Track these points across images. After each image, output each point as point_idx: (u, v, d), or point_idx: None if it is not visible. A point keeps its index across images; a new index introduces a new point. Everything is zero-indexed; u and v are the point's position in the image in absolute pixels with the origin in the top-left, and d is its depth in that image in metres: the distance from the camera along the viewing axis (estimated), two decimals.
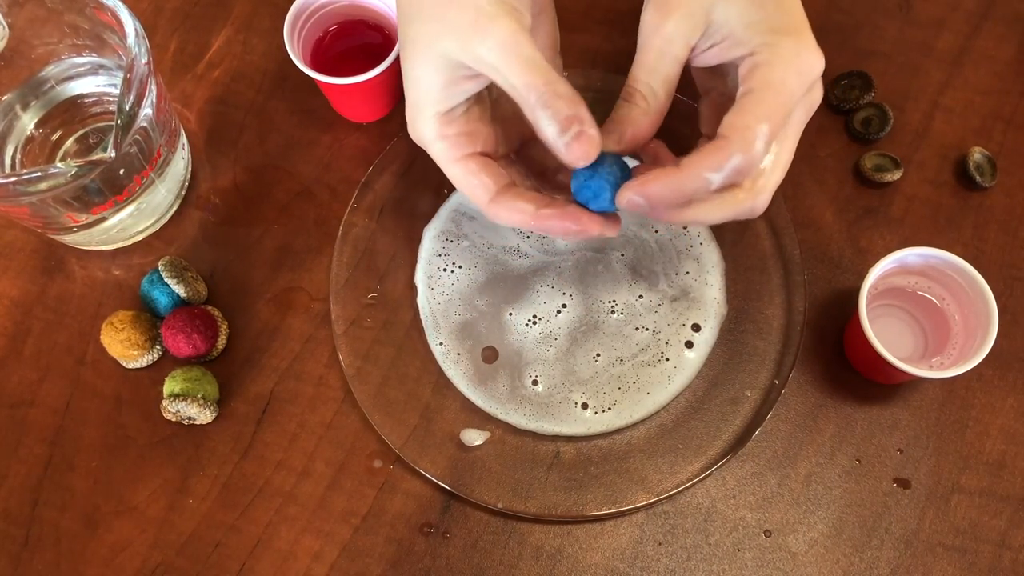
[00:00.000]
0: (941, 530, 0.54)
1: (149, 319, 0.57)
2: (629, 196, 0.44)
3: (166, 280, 0.56)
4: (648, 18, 0.47)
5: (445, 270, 0.59)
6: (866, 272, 0.52)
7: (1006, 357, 0.57)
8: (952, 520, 0.54)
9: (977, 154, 0.60)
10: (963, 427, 0.56)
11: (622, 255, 0.59)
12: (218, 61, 0.65)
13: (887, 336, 0.50)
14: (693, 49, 0.47)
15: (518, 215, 0.46)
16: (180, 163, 0.60)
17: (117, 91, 0.49)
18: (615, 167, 0.45)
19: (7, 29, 0.54)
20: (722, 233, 0.60)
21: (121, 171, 0.53)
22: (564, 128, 0.42)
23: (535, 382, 0.57)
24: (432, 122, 0.46)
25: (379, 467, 0.55)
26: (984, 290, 0.51)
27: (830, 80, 0.63)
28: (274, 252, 0.60)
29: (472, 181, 0.47)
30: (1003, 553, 0.53)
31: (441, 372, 0.57)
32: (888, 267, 0.53)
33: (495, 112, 0.49)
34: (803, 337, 0.56)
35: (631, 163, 0.47)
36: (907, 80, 0.64)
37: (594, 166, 0.44)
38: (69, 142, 0.59)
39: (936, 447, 0.55)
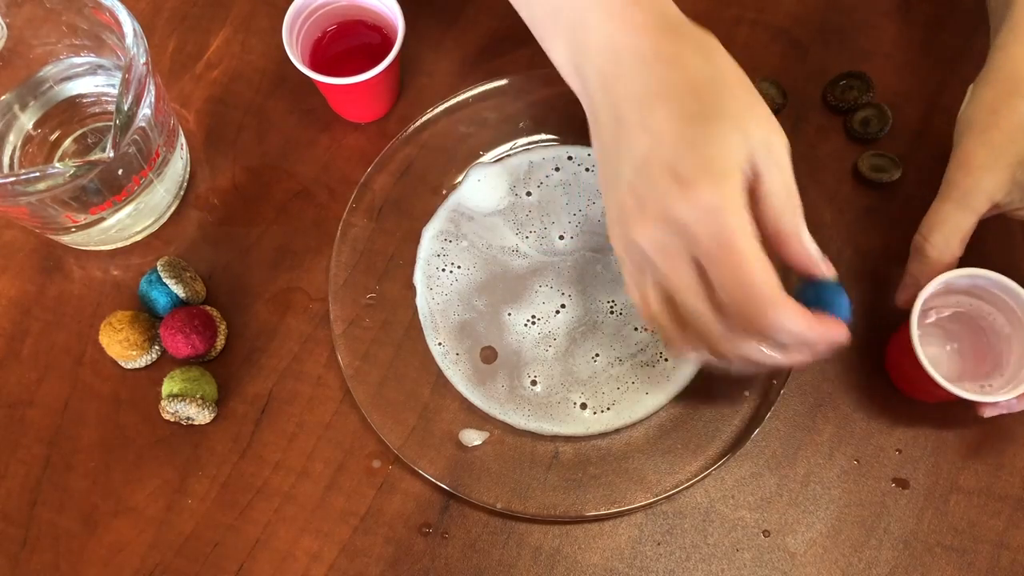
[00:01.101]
0: (939, 530, 0.54)
1: (148, 319, 0.57)
2: (989, 413, 0.51)
3: (165, 280, 0.56)
4: (949, 174, 0.51)
5: (444, 270, 0.59)
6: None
7: None
8: (950, 520, 0.54)
9: None
10: (963, 427, 0.55)
11: None
12: (216, 61, 0.65)
13: (935, 358, 0.49)
14: (997, 206, 0.50)
15: (803, 319, 0.42)
16: (179, 163, 0.60)
17: (115, 91, 0.49)
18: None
19: (5, 29, 0.54)
20: None
21: (119, 171, 0.53)
22: None
23: (534, 382, 0.57)
24: (741, 190, 0.41)
25: (378, 467, 0.55)
26: None
27: (829, 80, 0.63)
28: (273, 252, 0.60)
29: (767, 265, 0.41)
30: (1001, 553, 0.53)
31: (440, 372, 0.57)
32: (934, 289, 0.51)
33: None
34: None
35: None
36: (905, 80, 0.64)
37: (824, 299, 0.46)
38: (67, 142, 0.59)
39: (935, 447, 0.55)
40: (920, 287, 0.51)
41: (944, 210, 0.51)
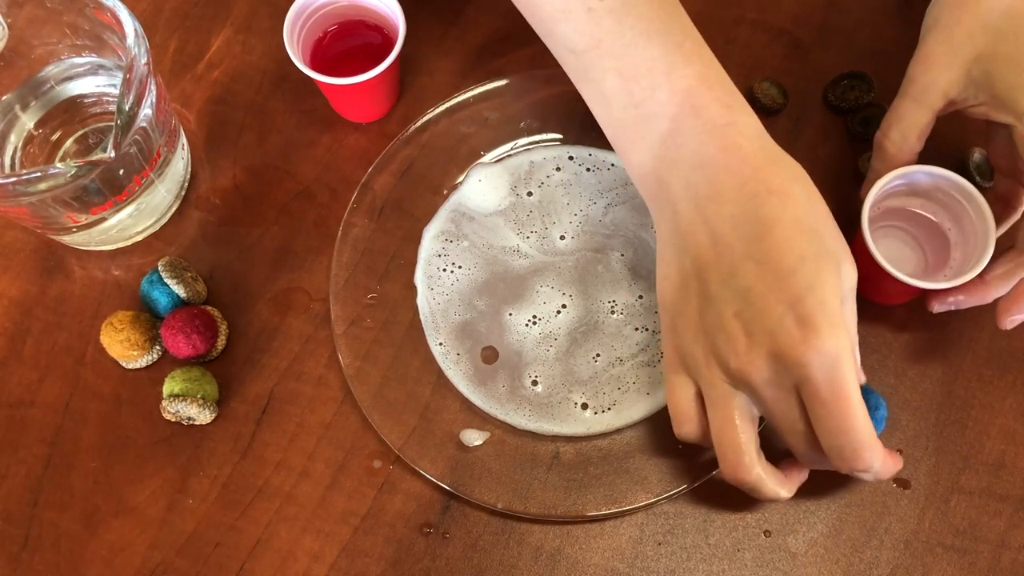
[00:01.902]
0: (941, 530, 0.54)
1: (149, 319, 0.57)
2: (938, 308, 0.53)
3: (166, 280, 0.56)
4: (909, 69, 0.53)
5: (445, 270, 0.59)
6: None
7: (1005, 357, 0.57)
8: (952, 520, 0.54)
9: (977, 154, 0.60)
10: (963, 427, 0.56)
11: (622, 255, 0.59)
12: (218, 61, 0.65)
13: (888, 255, 0.51)
14: (953, 103, 0.52)
15: (889, 461, 0.47)
16: (180, 163, 0.60)
17: (117, 91, 0.49)
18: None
19: (7, 29, 0.54)
20: None
21: (121, 171, 0.53)
22: None
23: (535, 382, 0.57)
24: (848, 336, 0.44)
25: (379, 467, 0.55)
26: (985, 210, 0.52)
27: (830, 80, 0.63)
28: (274, 252, 0.60)
29: (866, 412, 0.44)
30: (1002, 553, 0.53)
31: (441, 372, 0.57)
32: (894, 184, 0.54)
33: None
34: None
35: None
36: None
37: (870, 402, 0.50)
38: (69, 142, 0.59)
39: (936, 447, 0.55)
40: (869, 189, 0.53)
41: (902, 106, 0.53)
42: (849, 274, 0.45)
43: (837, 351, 0.42)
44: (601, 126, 0.50)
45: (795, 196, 0.45)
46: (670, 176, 0.47)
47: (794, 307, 0.43)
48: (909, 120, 0.53)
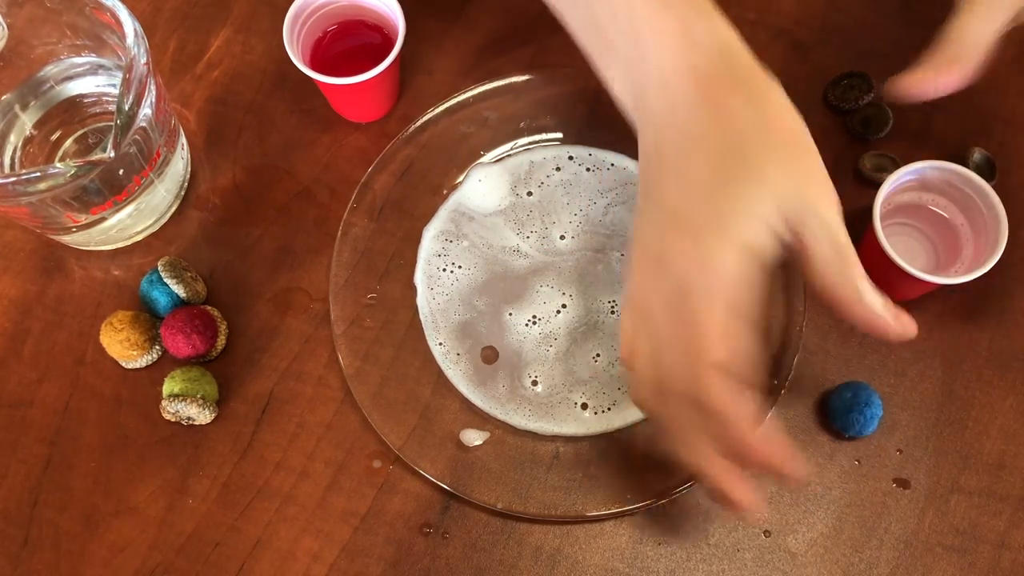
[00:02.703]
0: (940, 530, 0.54)
1: (148, 319, 0.57)
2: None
3: (165, 280, 0.56)
4: None
5: (444, 270, 0.59)
6: None
7: (1005, 357, 0.57)
8: (951, 520, 0.54)
9: (977, 154, 0.60)
10: (963, 427, 0.56)
11: (622, 255, 0.59)
12: (217, 61, 0.65)
13: (898, 252, 0.51)
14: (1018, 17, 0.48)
15: (728, 393, 0.42)
16: (179, 163, 0.60)
17: (116, 91, 0.49)
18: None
19: (6, 29, 0.54)
20: None
21: (120, 171, 0.53)
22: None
23: (535, 382, 0.57)
24: (745, 245, 0.41)
25: (378, 467, 0.55)
26: (995, 203, 0.52)
27: (830, 80, 0.63)
28: (273, 252, 0.60)
29: (723, 334, 0.41)
30: (1002, 553, 0.53)
31: (441, 372, 0.57)
32: (904, 179, 0.54)
33: None
34: (803, 337, 0.56)
35: None
36: None
37: (863, 397, 0.53)
38: (68, 142, 0.59)
39: (936, 447, 0.55)
40: (930, 82, 0.50)
41: (962, 21, 0.49)
42: (794, 191, 0.42)
43: (705, 254, 0.40)
44: (581, 45, 0.48)
45: (735, 110, 0.43)
46: (642, 103, 0.45)
47: (692, 219, 0.41)
48: (976, 31, 0.49)
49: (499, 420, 0.56)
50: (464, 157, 0.62)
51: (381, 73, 0.56)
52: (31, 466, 0.56)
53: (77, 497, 0.55)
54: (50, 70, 0.57)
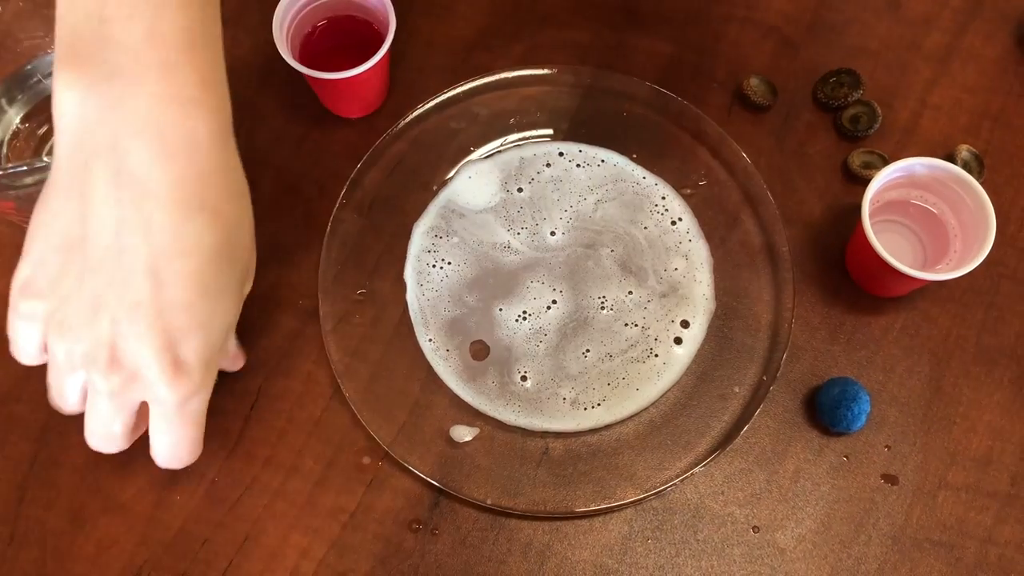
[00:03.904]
0: (928, 526, 0.54)
1: None
2: None
3: None
4: None
5: (434, 266, 0.59)
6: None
7: (993, 354, 0.57)
8: (939, 516, 0.54)
9: (965, 151, 0.60)
10: (950, 423, 0.56)
11: (612, 251, 0.59)
12: None
13: (886, 249, 0.52)
14: None
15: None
16: None
17: None
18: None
19: None
20: (711, 230, 0.60)
21: None
22: None
23: (524, 378, 0.56)
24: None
25: (368, 463, 0.55)
26: (983, 199, 0.53)
27: (819, 77, 0.63)
28: (262, 248, 0.60)
29: None
30: (989, 549, 0.53)
31: (430, 368, 0.57)
32: (893, 176, 0.54)
33: None
34: (791, 333, 0.56)
35: None
36: (895, 77, 0.64)
37: (851, 392, 0.54)
38: None
39: (923, 443, 0.55)
40: None
41: None
42: (246, 289, 0.49)
43: (195, 391, 0.46)
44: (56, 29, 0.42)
45: (226, 217, 0.44)
46: (105, 124, 0.41)
47: (174, 345, 0.44)
48: None
49: (489, 416, 0.56)
50: (454, 153, 0.62)
51: (371, 68, 0.56)
52: (17, 463, 0.55)
53: (64, 494, 0.55)
54: (37, 64, 0.57)
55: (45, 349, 0.48)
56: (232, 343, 0.52)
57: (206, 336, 0.45)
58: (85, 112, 0.41)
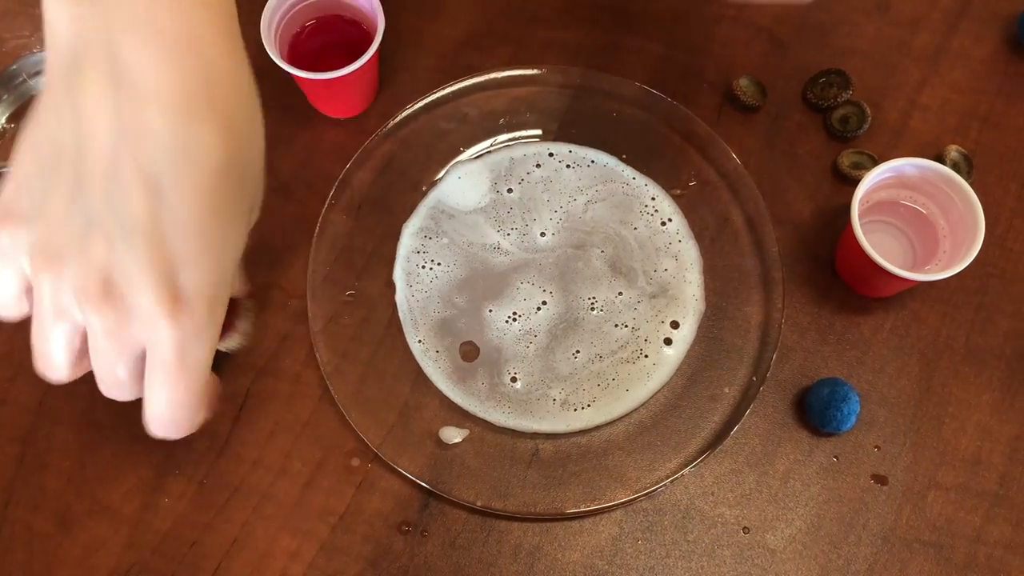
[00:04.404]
0: (918, 526, 0.54)
1: None
2: None
3: None
4: None
5: (424, 267, 0.59)
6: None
7: (982, 354, 0.57)
8: (928, 516, 0.54)
9: (954, 152, 0.60)
10: (940, 423, 0.56)
11: (602, 252, 0.59)
12: None
13: (878, 248, 0.52)
14: None
15: None
16: None
17: None
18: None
19: None
20: (701, 230, 0.60)
21: None
22: None
23: (514, 379, 0.56)
24: None
25: (357, 465, 0.55)
26: (972, 200, 0.53)
27: (809, 78, 0.63)
28: (250, 249, 0.59)
29: None
30: (978, 548, 0.53)
31: (420, 370, 0.57)
32: (882, 177, 0.55)
33: None
34: (781, 333, 0.56)
35: None
36: (885, 78, 0.64)
37: (840, 393, 0.54)
38: None
39: (913, 443, 0.55)
40: None
41: None
42: (253, 219, 0.43)
43: (196, 332, 0.40)
44: None
45: (238, 127, 0.40)
46: (98, 28, 0.38)
47: (175, 274, 0.38)
48: None
49: (478, 417, 0.56)
50: (444, 153, 0.61)
51: (360, 68, 0.56)
52: (3, 465, 0.55)
53: (50, 496, 0.54)
54: (23, 63, 0.57)
55: (28, 294, 0.41)
56: (238, 278, 0.45)
57: (211, 265, 0.40)
58: (77, 18, 0.38)
